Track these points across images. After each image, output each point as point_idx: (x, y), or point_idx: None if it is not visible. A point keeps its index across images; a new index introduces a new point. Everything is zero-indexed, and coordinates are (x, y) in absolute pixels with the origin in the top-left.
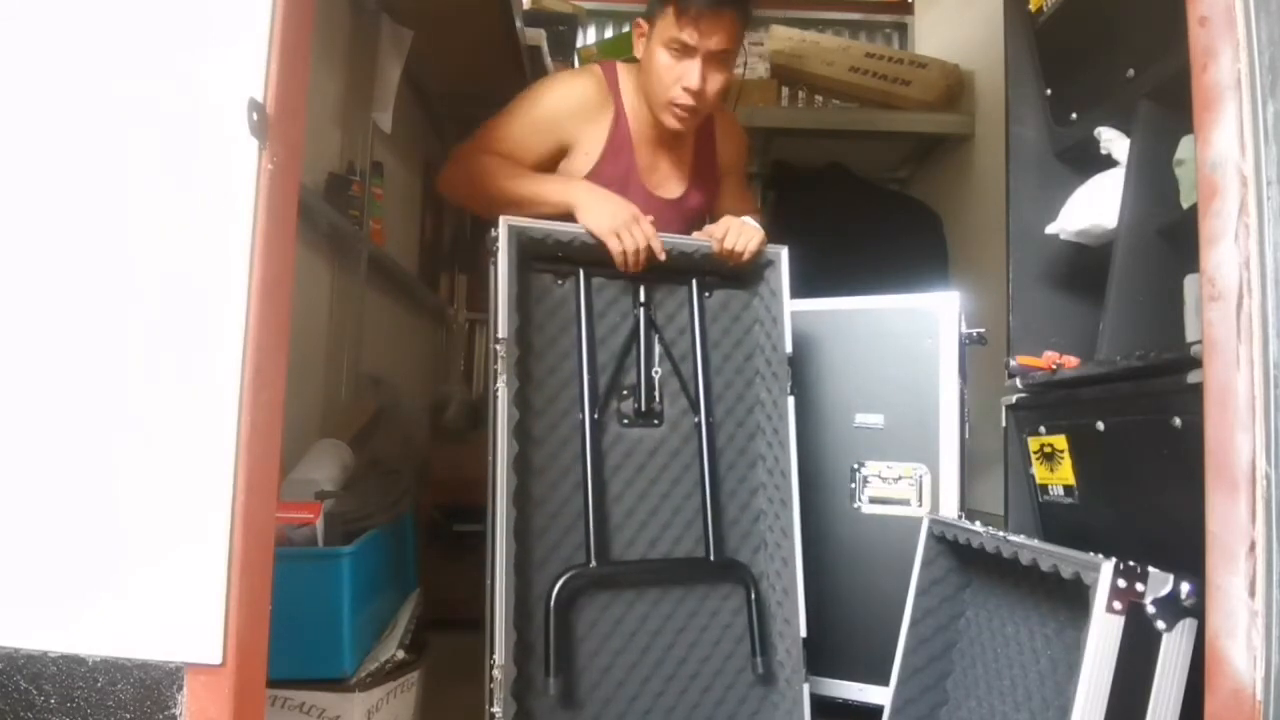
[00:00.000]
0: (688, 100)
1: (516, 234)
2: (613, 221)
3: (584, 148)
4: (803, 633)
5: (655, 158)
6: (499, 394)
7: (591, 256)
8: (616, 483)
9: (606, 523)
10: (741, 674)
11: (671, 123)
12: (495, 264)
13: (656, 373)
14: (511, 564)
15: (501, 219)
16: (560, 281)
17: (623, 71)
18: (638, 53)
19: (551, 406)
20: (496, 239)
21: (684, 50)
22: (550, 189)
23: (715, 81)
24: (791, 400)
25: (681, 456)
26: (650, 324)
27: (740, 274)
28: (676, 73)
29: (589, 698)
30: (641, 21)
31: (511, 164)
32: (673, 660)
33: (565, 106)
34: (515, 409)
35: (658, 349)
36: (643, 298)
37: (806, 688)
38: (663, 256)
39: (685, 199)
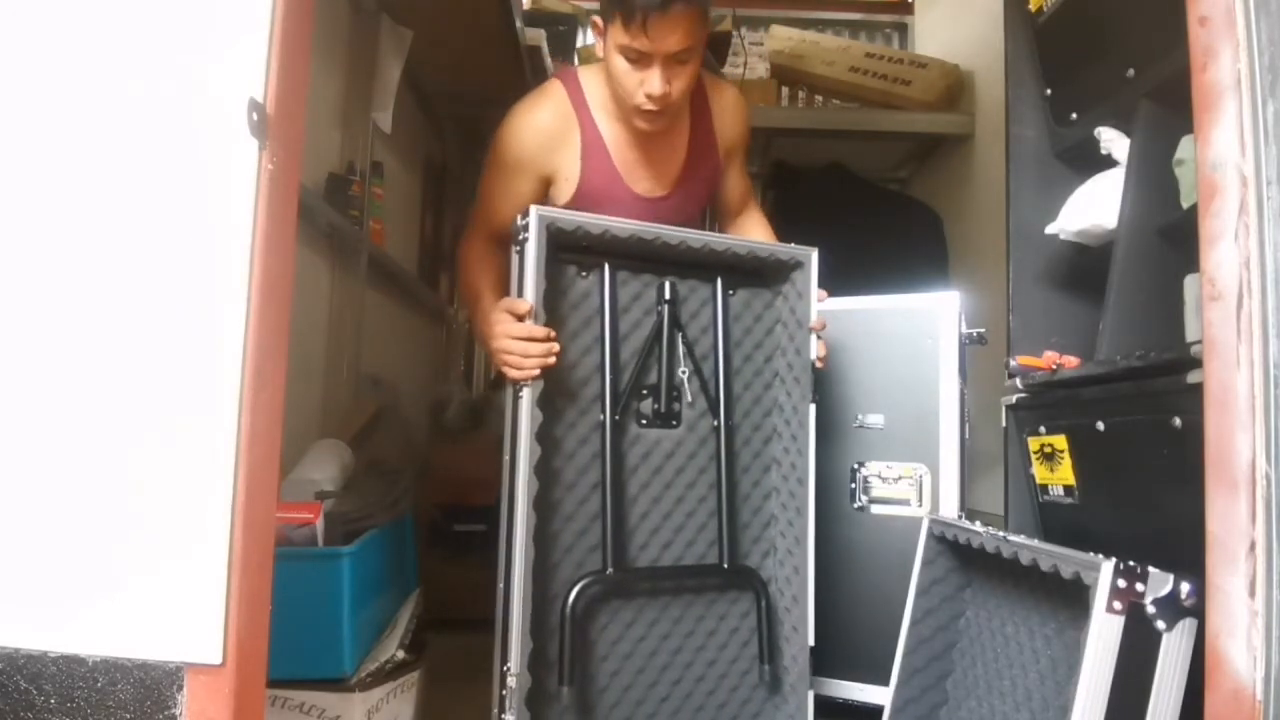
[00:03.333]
0: (653, 106)
1: (546, 224)
2: (497, 355)
3: (563, 173)
4: (810, 641)
5: (642, 153)
6: (522, 395)
7: (618, 249)
8: (633, 485)
9: (622, 527)
10: (746, 676)
11: (643, 126)
12: (522, 256)
13: (684, 372)
14: (529, 570)
15: (533, 208)
16: (584, 274)
17: (585, 76)
18: (599, 53)
19: (570, 405)
20: (526, 228)
21: (640, 58)
22: (478, 313)
23: (681, 81)
24: (813, 408)
25: (698, 459)
26: (675, 322)
27: (765, 273)
28: (637, 79)
29: (596, 702)
30: (598, 21)
31: (479, 268)
32: (680, 664)
33: (530, 145)
34: (539, 411)
35: (680, 348)
36: (668, 294)
37: (811, 694)
38: (551, 361)
39: (678, 194)
